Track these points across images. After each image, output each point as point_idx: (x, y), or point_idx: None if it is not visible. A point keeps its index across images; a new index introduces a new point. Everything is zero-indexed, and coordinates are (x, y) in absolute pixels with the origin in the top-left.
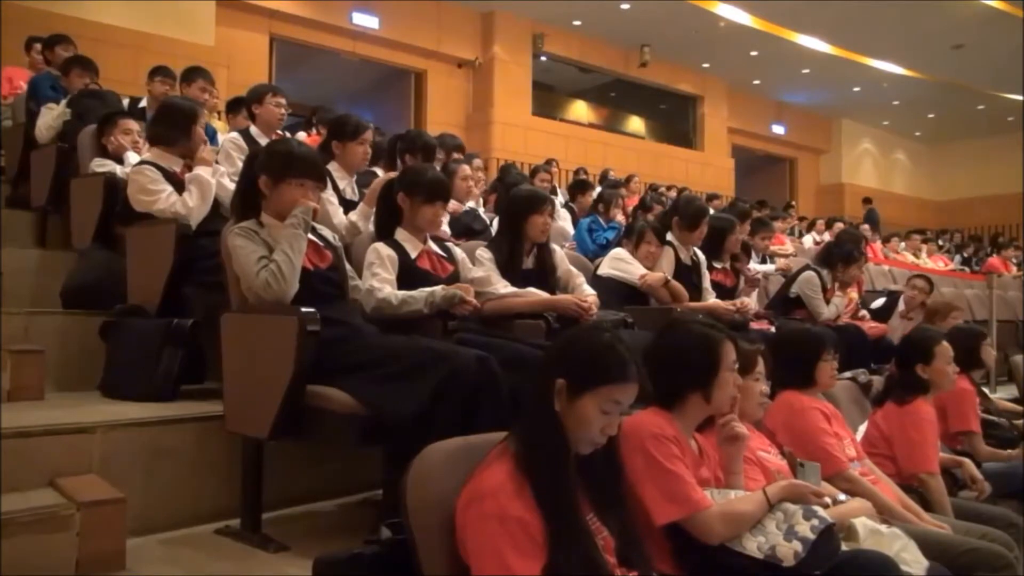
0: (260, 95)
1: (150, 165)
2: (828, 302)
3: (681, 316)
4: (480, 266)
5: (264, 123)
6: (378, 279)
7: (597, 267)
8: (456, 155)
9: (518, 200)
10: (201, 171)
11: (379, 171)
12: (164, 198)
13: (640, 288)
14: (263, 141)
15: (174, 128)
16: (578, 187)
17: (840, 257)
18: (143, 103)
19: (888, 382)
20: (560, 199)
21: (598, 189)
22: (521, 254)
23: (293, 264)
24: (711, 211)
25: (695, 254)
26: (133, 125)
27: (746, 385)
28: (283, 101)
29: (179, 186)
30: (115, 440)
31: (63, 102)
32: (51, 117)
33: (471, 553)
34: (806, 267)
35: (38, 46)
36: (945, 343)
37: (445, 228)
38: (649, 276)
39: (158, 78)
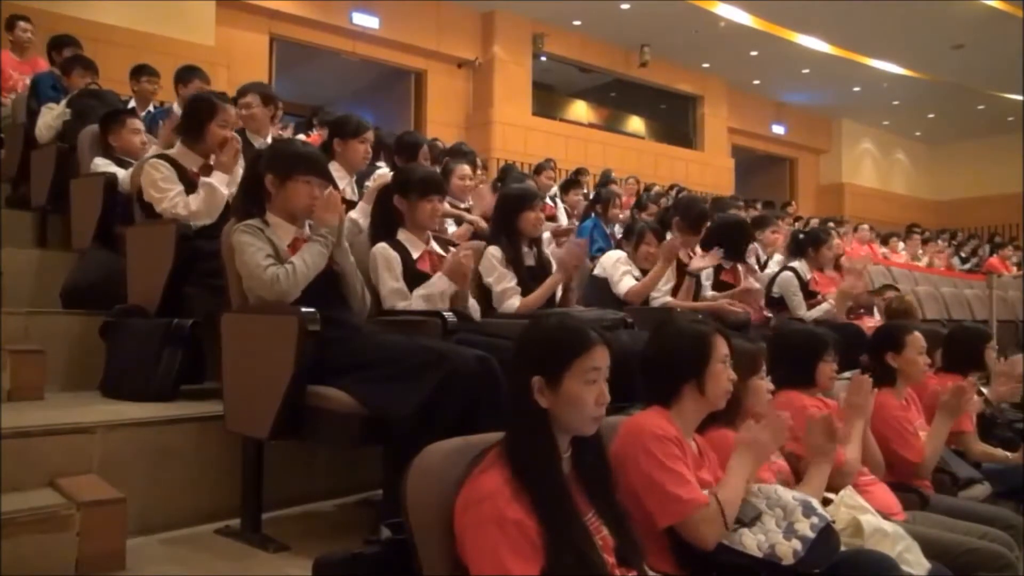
0: (239, 95)
1: (165, 161)
2: (815, 294)
3: (679, 316)
4: (492, 270)
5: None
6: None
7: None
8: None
9: (509, 198)
10: (216, 178)
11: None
12: (169, 198)
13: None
14: (256, 143)
15: (193, 125)
16: (567, 185)
17: (809, 242)
18: (131, 104)
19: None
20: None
21: (585, 189)
22: (521, 251)
23: (308, 275)
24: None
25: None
26: (140, 125)
27: (755, 384)
28: (251, 102)
29: (192, 185)
30: (115, 440)
31: (63, 102)
32: (51, 117)
33: (469, 556)
34: (784, 268)
35: (22, 23)
36: (917, 333)
37: (450, 228)
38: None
39: (143, 77)
